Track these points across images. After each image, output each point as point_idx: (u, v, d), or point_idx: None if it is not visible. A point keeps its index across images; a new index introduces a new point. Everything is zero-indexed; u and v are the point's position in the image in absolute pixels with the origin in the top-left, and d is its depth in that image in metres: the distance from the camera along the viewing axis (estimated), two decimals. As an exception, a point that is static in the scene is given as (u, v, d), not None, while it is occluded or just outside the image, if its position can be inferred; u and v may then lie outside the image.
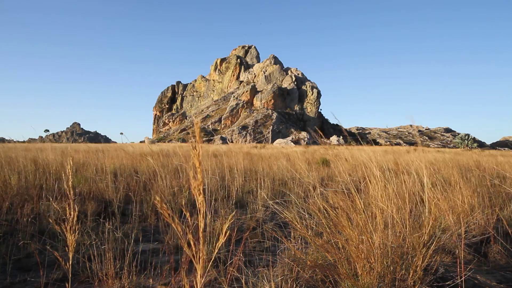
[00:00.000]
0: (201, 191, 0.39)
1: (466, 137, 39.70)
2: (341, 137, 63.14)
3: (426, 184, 2.03)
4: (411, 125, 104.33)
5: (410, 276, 1.57)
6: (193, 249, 0.40)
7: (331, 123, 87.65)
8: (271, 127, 65.71)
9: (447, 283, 1.72)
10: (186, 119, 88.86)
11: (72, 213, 0.58)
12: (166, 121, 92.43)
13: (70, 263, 0.57)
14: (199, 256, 0.39)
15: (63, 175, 4.21)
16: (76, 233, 0.65)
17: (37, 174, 4.00)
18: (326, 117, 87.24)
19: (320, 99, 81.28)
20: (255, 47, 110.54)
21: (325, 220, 1.85)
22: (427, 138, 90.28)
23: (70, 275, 0.60)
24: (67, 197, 3.34)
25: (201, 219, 0.38)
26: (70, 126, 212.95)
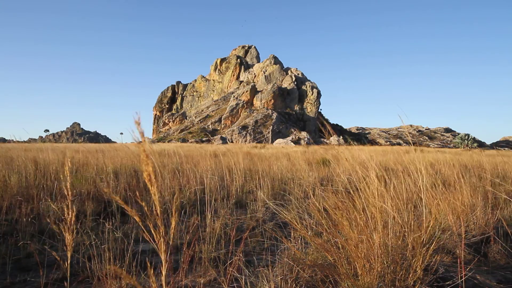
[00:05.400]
0: (153, 180, 0.39)
1: (466, 137, 39.70)
2: (341, 137, 63.17)
3: (425, 183, 2.03)
4: (411, 125, 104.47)
5: (410, 276, 1.57)
6: (156, 233, 0.40)
7: (331, 123, 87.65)
8: (271, 127, 65.71)
9: (447, 283, 1.72)
10: (186, 119, 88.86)
11: (70, 213, 0.58)
12: (166, 121, 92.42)
13: (68, 262, 0.57)
14: (160, 234, 0.39)
15: (62, 175, 4.21)
16: (75, 233, 0.66)
17: (37, 174, 4.00)
18: (326, 117, 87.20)
19: (320, 99, 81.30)
20: (255, 47, 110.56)
21: (325, 220, 1.85)
22: (427, 138, 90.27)
23: (69, 274, 0.60)
24: (67, 197, 3.34)
25: (157, 207, 0.38)
26: (70, 126, 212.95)
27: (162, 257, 0.40)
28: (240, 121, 71.67)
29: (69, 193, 0.63)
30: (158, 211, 0.39)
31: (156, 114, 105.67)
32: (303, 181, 4.60)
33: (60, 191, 3.44)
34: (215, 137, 60.18)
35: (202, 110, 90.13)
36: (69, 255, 0.58)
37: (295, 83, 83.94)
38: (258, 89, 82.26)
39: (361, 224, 1.68)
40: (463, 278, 1.68)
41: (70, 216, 0.62)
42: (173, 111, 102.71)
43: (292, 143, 47.07)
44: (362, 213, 1.75)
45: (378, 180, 1.91)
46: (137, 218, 0.41)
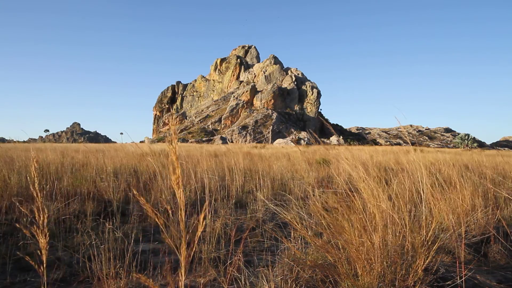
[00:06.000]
0: (180, 184, 0.39)
1: (466, 137, 39.70)
2: (341, 137, 63.22)
3: (425, 183, 2.03)
4: (411, 125, 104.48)
5: (410, 276, 1.57)
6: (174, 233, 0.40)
7: (331, 123, 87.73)
8: (271, 127, 65.73)
9: (447, 283, 1.72)
10: (186, 119, 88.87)
11: (42, 216, 0.58)
12: (166, 121, 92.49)
13: (44, 266, 0.57)
14: (182, 243, 0.39)
15: (63, 175, 4.21)
16: (47, 236, 0.66)
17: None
18: (326, 117, 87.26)
19: (320, 99, 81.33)
20: (255, 47, 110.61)
21: (325, 221, 1.85)
22: (427, 138, 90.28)
23: (45, 279, 0.60)
24: (68, 197, 3.33)
25: (182, 212, 0.38)
26: (70, 126, 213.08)
27: (183, 263, 0.40)
28: (240, 121, 71.69)
29: (39, 194, 0.62)
30: (183, 216, 0.38)
31: (156, 114, 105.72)
32: (303, 181, 4.61)
33: (60, 191, 3.44)
34: (215, 137, 60.20)
35: (202, 110, 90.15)
36: (44, 259, 0.58)
37: (295, 83, 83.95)
38: (258, 89, 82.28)
39: (361, 225, 1.68)
40: (463, 278, 1.68)
41: (42, 219, 0.61)
42: (173, 111, 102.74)
43: (292, 143, 47.07)
44: (362, 213, 1.75)
45: (378, 180, 1.91)
46: (160, 221, 0.41)
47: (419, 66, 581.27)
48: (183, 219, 0.40)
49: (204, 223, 0.42)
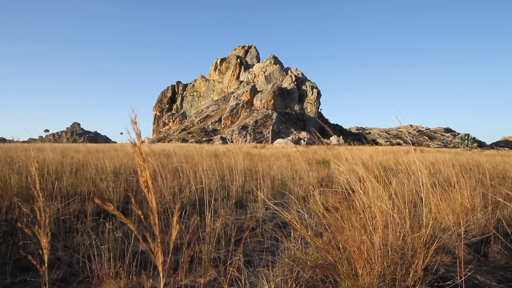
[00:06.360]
0: (150, 187, 0.38)
1: (466, 137, 39.69)
2: (341, 137, 63.25)
3: (425, 183, 2.03)
4: (411, 125, 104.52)
5: (410, 276, 1.57)
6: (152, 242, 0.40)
7: (331, 123, 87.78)
8: (271, 127, 65.70)
9: (447, 283, 1.72)
10: (186, 119, 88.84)
11: (43, 216, 0.58)
12: (166, 121, 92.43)
13: (46, 266, 0.57)
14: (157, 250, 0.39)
15: (63, 175, 4.21)
16: (49, 236, 0.66)
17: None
18: (326, 117, 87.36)
19: (320, 99, 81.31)
20: (255, 47, 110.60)
21: (325, 220, 1.85)
22: (427, 138, 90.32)
23: (47, 279, 0.61)
24: (68, 197, 3.33)
25: (155, 216, 0.38)
26: (70, 126, 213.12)
27: (160, 269, 0.40)
28: (240, 121, 71.66)
29: (40, 195, 0.62)
30: (156, 220, 0.38)
31: (156, 114, 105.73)
32: (303, 181, 4.61)
33: (60, 191, 3.44)
34: (215, 137, 60.18)
35: (202, 110, 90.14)
36: (46, 259, 0.58)
37: (295, 83, 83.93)
38: (258, 89, 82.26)
39: (362, 225, 1.68)
40: (463, 278, 1.68)
41: (43, 218, 0.61)
42: (173, 111, 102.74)
43: (292, 143, 47.08)
44: (362, 213, 1.75)
45: (377, 181, 1.91)
46: (132, 227, 0.40)
47: (419, 66, 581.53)
48: (157, 223, 0.40)
49: (177, 226, 0.42)
